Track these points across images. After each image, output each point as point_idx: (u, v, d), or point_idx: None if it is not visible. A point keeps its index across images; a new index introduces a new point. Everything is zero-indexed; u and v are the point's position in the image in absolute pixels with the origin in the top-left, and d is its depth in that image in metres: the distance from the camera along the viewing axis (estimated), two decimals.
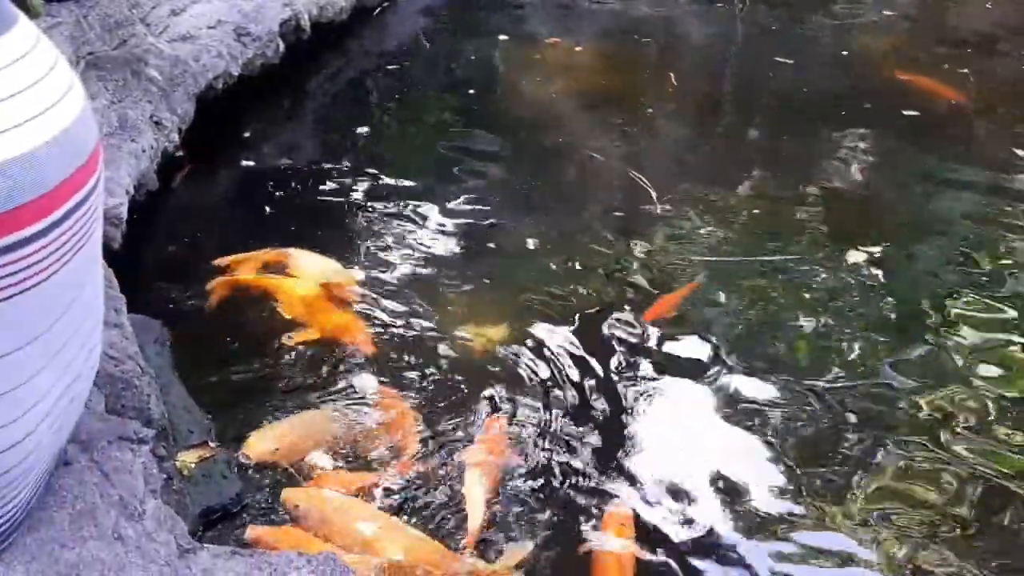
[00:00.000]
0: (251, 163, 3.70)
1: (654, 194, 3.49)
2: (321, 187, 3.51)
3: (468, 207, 3.40)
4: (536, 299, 2.87)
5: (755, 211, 3.50)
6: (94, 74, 3.15)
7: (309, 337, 2.59)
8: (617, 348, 2.67)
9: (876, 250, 3.16)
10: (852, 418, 2.42)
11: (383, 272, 2.98)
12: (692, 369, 2.60)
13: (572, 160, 3.88)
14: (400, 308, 2.79)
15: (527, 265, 3.09)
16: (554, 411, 2.41)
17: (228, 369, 2.49)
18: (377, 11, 5.28)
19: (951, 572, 2.00)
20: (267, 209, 3.37)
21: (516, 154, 3.91)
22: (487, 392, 2.46)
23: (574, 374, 2.55)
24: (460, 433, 2.32)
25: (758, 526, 2.11)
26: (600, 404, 2.45)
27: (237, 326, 2.67)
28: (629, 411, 2.44)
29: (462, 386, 2.48)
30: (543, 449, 2.29)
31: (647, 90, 4.65)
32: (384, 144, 4.00)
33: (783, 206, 3.53)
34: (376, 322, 2.71)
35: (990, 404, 2.48)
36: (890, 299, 2.93)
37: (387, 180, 3.58)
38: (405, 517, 2.06)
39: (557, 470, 2.23)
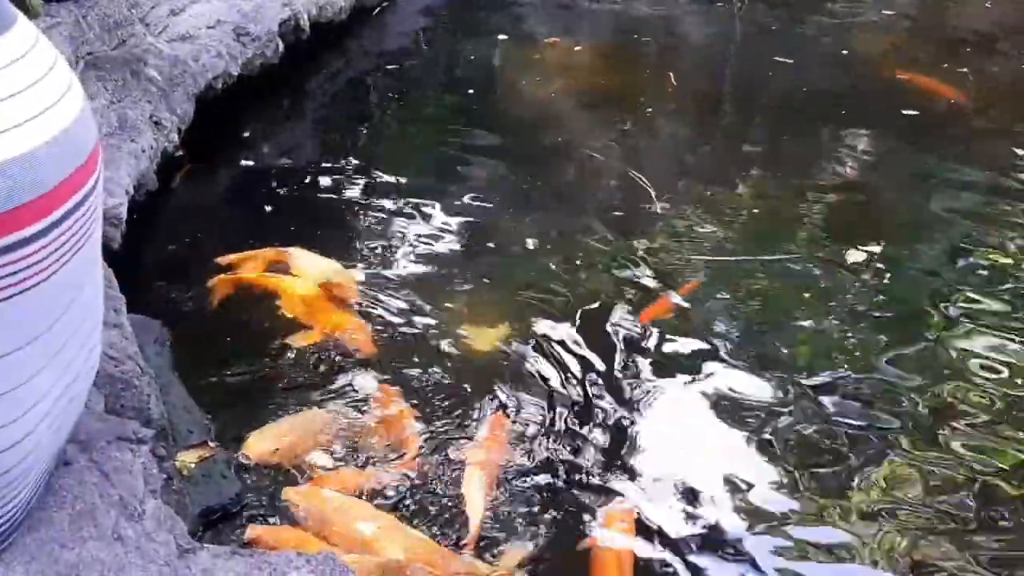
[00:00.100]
0: (251, 163, 3.70)
1: (653, 193, 3.49)
2: (321, 187, 3.51)
3: (468, 206, 3.40)
4: (535, 298, 2.87)
5: (754, 210, 3.50)
6: (93, 74, 3.15)
7: (310, 340, 2.59)
8: (616, 347, 2.67)
9: (876, 249, 3.16)
10: (851, 416, 2.42)
11: (383, 271, 2.98)
12: (692, 368, 2.60)
13: (572, 159, 3.88)
14: (400, 307, 2.79)
15: (526, 264, 3.09)
16: (554, 410, 2.41)
17: (228, 369, 2.49)
18: (376, 11, 5.29)
19: (951, 566, 2.00)
20: (267, 209, 3.37)
21: (516, 153, 3.91)
22: (487, 391, 2.45)
23: (573, 373, 2.54)
24: (460, 432, 2.32)
25: (758, 522, 2.11)
26: (600, 403, 2.45)
27: (237, 326, 2.67)
28: (629, 410, 2.44)
29: (462, 385, 2.48)
30: (543, 448, 2.28)
31: (647, 90, 4.65)
32: (384, 143, 4.00)
33: (782, 205, 3.53)
34: (376, 321, 2.71)
35: (990, 402, 2.48)
36: (889, 298, 2.93)
37: (387, 179, 3.58)
38: (405, 517, 2.06)
39: (557, 469, 2.23)
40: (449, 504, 2.11)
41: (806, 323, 2.81)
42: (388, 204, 3.40)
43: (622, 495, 2.16)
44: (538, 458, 2.26)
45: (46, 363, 1.30)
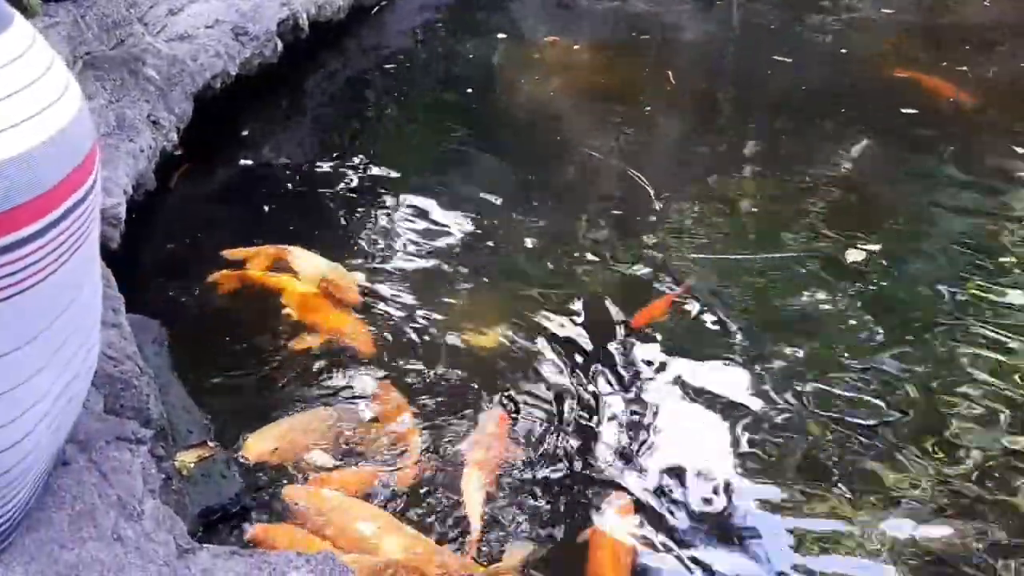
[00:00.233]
0: (249, 162, 3.70)
1: (652, 192, 3.49)
2: (319, 186, 3.50)
3: (467, 205, 3.40)
4: (535, 296, 2.87)
5: (753, 209, 3.50)
6: (91, 74, 3.15)
7: (310, 344, 2.58)
8: (616, 346, 2.67)
9: (875, 247, 3.16)
10: (851, 411, 2.42)
11: (382, 270, 2.98)
12: (691, 365, 2.60)
13: (571, 158, 3.88)
14: (399, 306, 2.79)
15: (526, 263, 3.09)
16: (554, 408, 2.41)
17: (227, 369, 2.49)
18: (375, 10, 5.28)
19: (953, 557, 2.02)
20: (265, 208, 3.37)
21: (515, 152, 3.91)
22: (486, 390, 2.46)
23: (573, 371, 2.54)
24: (460, 431, 2.32)
25: (759, 517, 2.12)
26: (599, 401, 2.45)
27: (236, 326, 2.67)
28: (628, 408, 2.44)
29: (462, 384, 2.48)
30: (543, 446, 2.29)
31: (645, 88, 4.64)
32: (382, 143, 4.00)
33: (782, 204, 3.53)
34: (375, 321, 2.71)
35: (989, 398, 2.48)
36: (889, 296, 2.93)
37: (386, 179, 3.58)
38: (405, 517, 2.06)
39: (557, 467, 2.23)
40: (449, 503, 2.11)
41: (805, 321, 2.81)
42: (387, 203, 3.40)
43: (622, 492, 2.16)
44: (538, 456, 2.26)
45: (45, 363, 1.30)
